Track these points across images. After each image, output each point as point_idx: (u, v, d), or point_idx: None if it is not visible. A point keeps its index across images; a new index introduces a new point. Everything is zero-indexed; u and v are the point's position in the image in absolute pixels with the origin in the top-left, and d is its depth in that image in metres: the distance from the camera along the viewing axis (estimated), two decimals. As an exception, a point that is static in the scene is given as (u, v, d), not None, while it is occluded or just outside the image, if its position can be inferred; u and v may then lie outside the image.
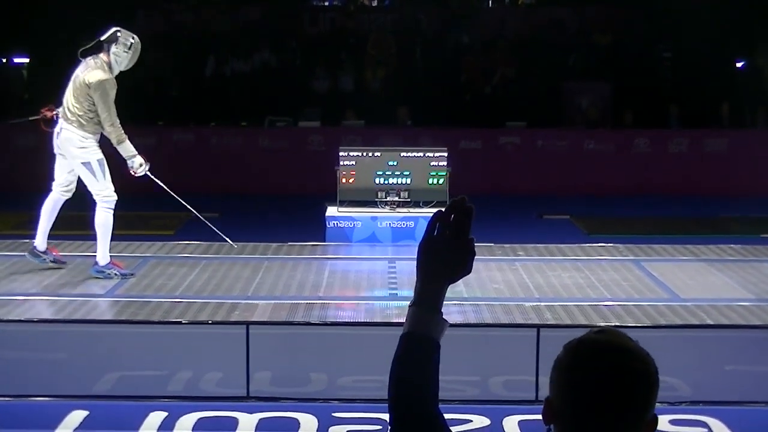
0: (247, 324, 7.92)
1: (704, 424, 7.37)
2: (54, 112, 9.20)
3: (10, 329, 7.95)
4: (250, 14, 21.09)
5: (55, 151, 9.20)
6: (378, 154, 11.67)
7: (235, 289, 9.01)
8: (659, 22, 20.35)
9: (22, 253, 10.14)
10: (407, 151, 11.77)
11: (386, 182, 11.48)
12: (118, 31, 9.14)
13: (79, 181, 9.21)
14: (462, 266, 2.67)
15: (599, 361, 2.47)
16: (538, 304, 8.49)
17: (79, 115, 8.99)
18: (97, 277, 9.13)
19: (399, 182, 11.48)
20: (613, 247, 10.89)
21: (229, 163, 17.53)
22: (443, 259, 2.67)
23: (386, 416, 7.56)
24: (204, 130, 18.22)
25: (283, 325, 8.03)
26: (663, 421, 7.41)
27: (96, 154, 9.05)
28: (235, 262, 10.05)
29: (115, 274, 9.16)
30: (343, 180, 11.50)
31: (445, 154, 11.60)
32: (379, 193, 11.46)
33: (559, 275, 9.59)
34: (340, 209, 11.39)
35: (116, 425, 7.34)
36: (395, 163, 11.54)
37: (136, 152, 9.22)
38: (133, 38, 9.15)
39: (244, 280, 9.33)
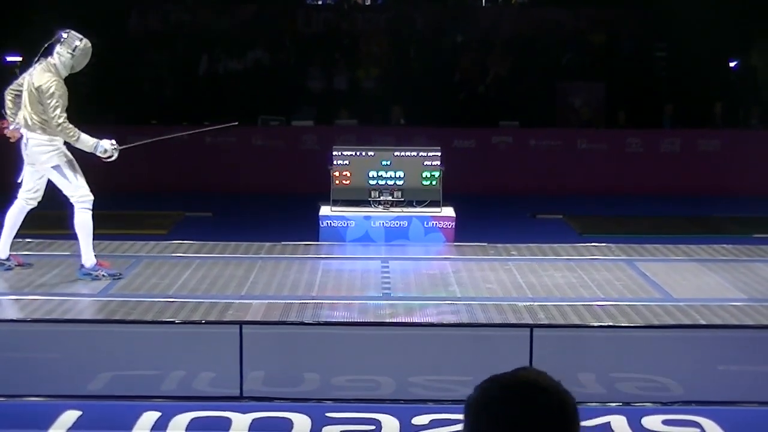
0: (241, 324, 7.92)
1: (697, 424, 7.38)
2: (7, 124, 9.13)
3: (2, 329, 7.94)
4: (244, 13, 21.08)
5: (26, 160, 9.08)
6: (371, 153, 11.68)
7: (229, 289, 9.01)
8: (653, 21, 20.39)
9: (15, 253, 10.13)
10: (401, 151, 11.77)
11: (380, 182, 11.48)
12: (65, 32, 9.01)
13: (50, 185, 9.13)
14: None
15: (513, 398, 2.40)
16: (532, 303, 8.50)
17: (38, 121, 8.88)
18: (83, 279, 9.09)
19: (392, 182, 11.48)
20: (606, 246, 10.90)
21: (223, 162, 17.54)
22: None
23: (379, 416, 7.57)
24: (197, 129, 18.16)
25: (276, 324, 8.02)
26: (655, 421, 7.43)
27: (64, 156, 8.97)
28: (228, 262, 10.04)
29: (103, 275, 9.12)
30: (337, 179, 11.50)
31: (439, 154, 11.60)
32: (373, 193, 11.47)
33: (552, 275, 9.59)
34: (334, 209, 11.39)
35: (109, 425, 7.33)
36: (389, 163, 11.54)
37: (96, 139, 9.06)
38: (80, 40, 8.99)
39: (238, 280, 9.32)
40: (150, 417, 7.38)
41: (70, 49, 8.97)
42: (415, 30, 20.91)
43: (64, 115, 8.88)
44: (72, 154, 9.11)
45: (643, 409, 7.61)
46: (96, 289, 8.89)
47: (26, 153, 9.05)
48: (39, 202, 9.25)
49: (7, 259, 9.40)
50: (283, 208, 15.00)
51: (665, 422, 7.42)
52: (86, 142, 9.02)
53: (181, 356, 7.88)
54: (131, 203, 15.13)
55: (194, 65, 19.85)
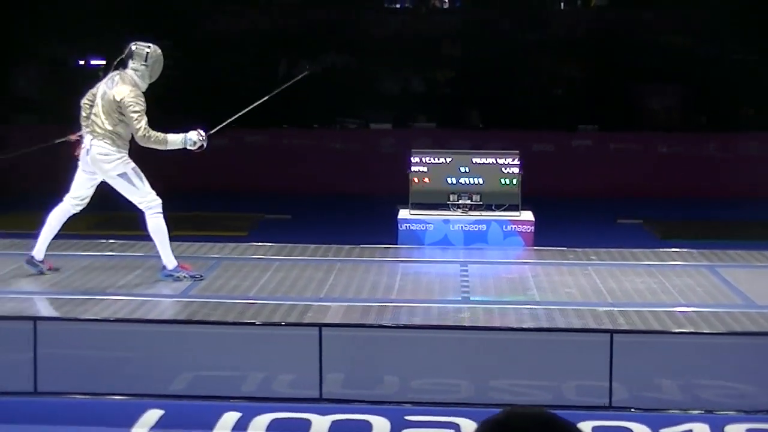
0: (320, 326, 7.96)
1: (781, 433, 7.28)
2: (78, 135, 9.21)
3: (87, 327, 8.06)
4: (321, 15, 21.16)
5: (82, 167, 9.11)
6: (449, 158, 11.67)
7: (308, 291, 9.06)
8: (732, 23, 20.10)
9: (98, 253, 10.30)
10: (478, 156, 11.74)
11: (458, 185, 11.47)
12: (133, 44, 9.06)
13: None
14: None
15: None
16: (612, 309, 8.43)
17: (110, 131, 8.92)
18: (166, 281, 9.19)
19: (471, 185, 11.46)
20: (687, 252, 10.78)
21: (301, 165, 17.64)
22: None
23: (458, 420, 7.54)
24: (276, 132, 18.33)
25: (355, 327, 8.05)
26: (739, 429, 7.32)
27: (129, 164, 9.00)
28: (307, 264, 10.10)
29: (185, 277, 9.21)
30: (416, 182, 11.51)
31: (517, 158, 11.57)
32: (452, 196, 11.46)
33: (632, 280, 9.51)
34: (413, 212, 11.40)
35: (191, 425, 7.41)
36: (467, 167, 11.53)
37: (182, 134, 9.11)
38: (148, 48, 9.05)
39: (317, 282, 9.36)
40: (231, 417, 7.44)
41: (142, 60, 9.03)
42: (491, 32, 20.83)
43: (147, 124, 8.90)
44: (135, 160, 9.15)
45: (726, 417, 7.51)
46: (177, 290, 8.99)
47: (87, 160, 9.05)
48: (83, 210, 9.27)
49: (41, 262, 9.38)
50: (362, 210, 15.05)
51: (749, 431, 7.32)
52: (174, 141, 9.09)
53: (261, 357, 7.94)
54: (211, 204, 15.27)
55: (273, 68, 19.95)
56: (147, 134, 8.89)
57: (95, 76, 19.69)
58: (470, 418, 7.37)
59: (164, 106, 18.93)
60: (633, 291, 9.12)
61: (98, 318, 8.14)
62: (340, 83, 19.30)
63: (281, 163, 17.65)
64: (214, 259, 10.26)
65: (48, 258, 9.45)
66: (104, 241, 10.77)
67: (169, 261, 9.20)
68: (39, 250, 9.33)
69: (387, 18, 21.53)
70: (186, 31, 20.24)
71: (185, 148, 9.19)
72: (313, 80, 19.71)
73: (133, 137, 9.01)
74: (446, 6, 22.64)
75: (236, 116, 9.87)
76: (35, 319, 8.08)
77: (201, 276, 9.34)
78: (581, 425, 7.56)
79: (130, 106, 8.87)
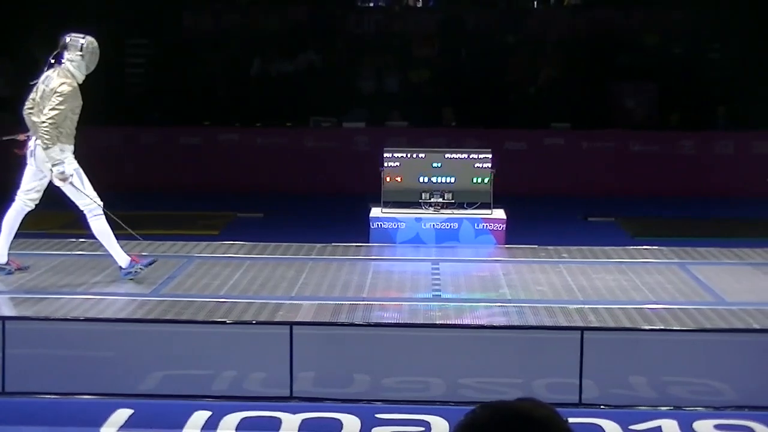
0: (291, 324, 7.95)
1: (749, 429, 7.32)
2: (26, 135, 9.09)
3: (57, 327, 8.03)
4: (296, 15, 21.15)
5: (29, 162, 9.03)
6: (422, 155, 11.68)
7: (279, 290, 9.05)
8: (706, 22, 20.20)
9: (69, 252, 10.26)
10: (451, 153, 11.76)
11: (430, 183, 11.48)
12: (67, 36, 9.00)
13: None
14: None
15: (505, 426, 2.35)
16: (582, 306, 8.45)
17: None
18: (129, 279, 9.15)
19: (443, 183, 11.47)
20: (658, 249, 10.82)
21: (274, 163, 17.61)
22: None
23: (429, 417, 7.56)
24: (249, 130, 18.30)
25: (326, 325, 8.05)
26: (707, 425, 7.37)
27: (72, 165, 8.93)
28: (279, 263, 10.08)
29: (141, 269, 9.17)
30: (388, 180, 11.51)
31: (490, 156, 11.58)
32: (423, 194, 11.46)
33: (603, 278, 9.54)
34: (384, 210, 11.40)
35: (161, 424, 7.39)
36: (439, 165, 11.53)
37: (62, 159, 8.85)
38: (83, 39, 8.99)
39: (288, 281, 9.35)
40: (201, 416, 7.43)
41: (78, 50, 8.97)
42: (466, 31, 20.86)
43: (57, 120, 8.76)
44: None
45: (695, 414, 7.56)
46: (148, 288, 8.96)
47: (32, 160, 8.99)
48: (36, 205, 9.18)
49: (7, 264, 9.31)
50: (334, 209, 15.03)
51: (717, 427, 7.36)
52: (54, 154, 8.81)
53: (232, 356, 7.93)
54: (183, 203, 15.22)
55: (246, 67, 19.94)
56: (46, 128, 8.72)
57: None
58: (441, 416, 7.39)
59: (137, 100, 19.05)
60: (604, 288, 9.15)
61: (68, 317, 8.10)
62: (314, 82, 19.29)
63: (254, 161, 17.61)
64: (185, 258, 10.23)
65: (16, 258, 9.40)
66: (74, 240, 10.71)
67: (122, 259, 9.14)
68: (0, 254, 9.27)
69: (361, 17, 21.54)
70: (163, 29, 20.19)
71: (50, 167, 8.87)
72: (287, 78, 19.76)
73: (74, 133, 8.94)
74: (420, 5, 22.66)
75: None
76: (4, 319, 8.04)
77: (154, 259, 9.30)
78: (550, 422, 7.52)
79: (58, 92, 8.80)
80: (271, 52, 20.12)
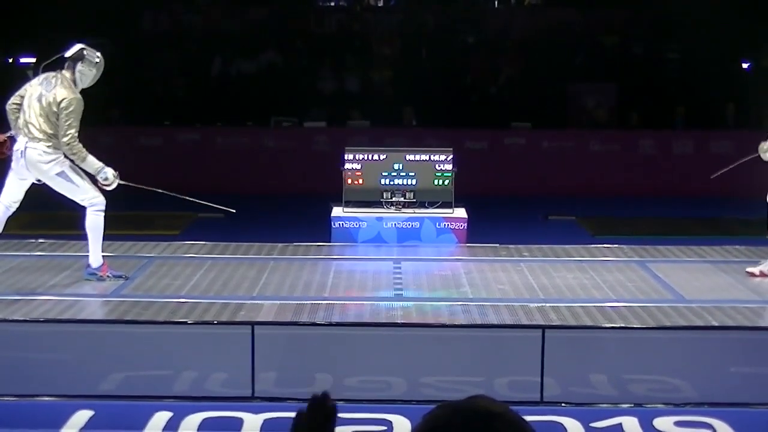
0: (253, 324, 7.93)
1: (709, 426, 7.38)
2: (7, 136, 9.05)
3: (16, 329, 7.96)
4: (256, 14, 21.10)
5: (16, 168, 8.92)
6: (383, 155, 11.68)
7: (241, 290, 9.02)
8: (665, 22, 20.35)
9: (28, 253, 10.18)
10: (412, 153, 11.78)
11: (392, 183, 11.49)
12: (84, 48, 8.98)
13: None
14: None
15: (469, 424, 2.34)
16: (543, 305, 8.49)
17: (48, 133, 8.79)
18: (89, 280, 9.09)
19: (404, 183, 11.49)
20: (618, 248, 10.89)
21: (235, 163, 17.55)
22: None
23: (391, 416, 7.56)
24: (210, 130, 18.24)
25: (288, 325, 8.03)
26: (667, 422, 7.42)
27: (66, 162, 8.88)
28: (240, 263, 10.06)
29: (108, 277, 9.13)
30: (349, 180, 11.51)
31: (451, 155, 11.61)
32: (385, 194, 11.47)
33: (564, 276, 9.58)
34: (346, 210, 11.39)
35: (121, 425, 7.35)
36: (400, 164, 11.54)
37: (102, 164, 8.97)
38: (98, 56, 9.02)
39: (250, 281, 9.33)
40: (162, 417, 7.40)
41: (92, 65, 8.98)
42: (426, 31, 20.90)
43: (77, 135, 8.81)
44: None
45: (655, 411, 7.61)
46: (108, 289, 8.91)
47: (22, 162, 8.88)
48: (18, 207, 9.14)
49: None
50: (295, 209, 15.00)
51: (677, 423, 7.42)
52: (92, 164, 8.93)
53: (193, 357, 7.90)
54: (143, 204, 15.11)
55: (207, 66, 19.88)
56: (71, 143, 8.77)
57: (24, 75, 19.46)
58: (403, 415, 7.39)
59: (96, 100, 18.92)
60: (564, 287, 9.20)
61: (27, 319, 8.04)
62: (275, 81, 19.25)
63: (214, 161, 17.55)
64: (145, 258, 10.18)
65: None
66: (34, 240, 10.64)
67: (96, 259, 9.10)
68: None
69: (322, 16, 21.52)
70: (122, 28, 20.08)
71: (95, 177, 8.99)
72: (248, 78, 19.71)
73: None
74: (381, 4, 22.68)
75: (151, 189, 9.70)
76: (-38, 320, 7.97)
77: (126, 276, 9.24)
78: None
79: (68, 111, 8.75)
80: (231, 52, 20.07)
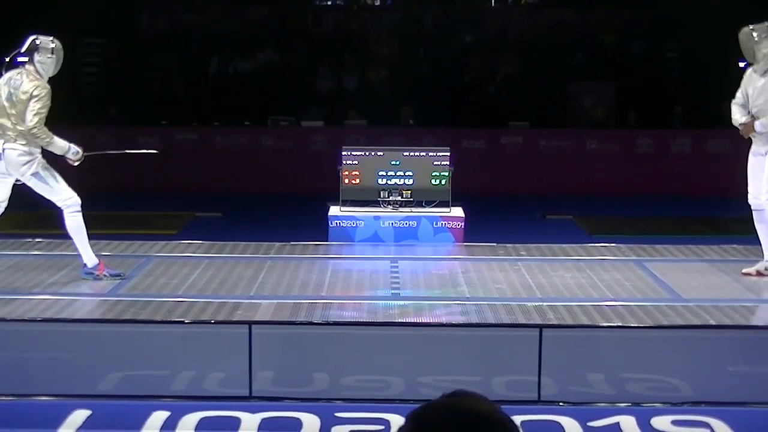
0: (250, 324, 7.92)
1: (706, 425, 7.37)
2: None
3: (13, 328, 7.96)
4: (254, 14, 21.11)
5: None
6: (381, 153, 11.68)
7: (238, 289, 9.01)
8: (664, 22, 20.35)
9: (25, 253, 10.17)
10: (410, 151, 11.78)
11: (389, 182, 11.49)
12: (36, 38, 8.96)
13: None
14: None
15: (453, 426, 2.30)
16: (541, 304, 8.48)
17: (22, 131, 8.78)
18: (86, 279, 9.09)
19: (402, 182, 11.48)
20: (616, 247, 10.89)
21: (233, 163, 17.55)
22: None
23: (388, 416, 7.56)
24: (208, 130, 18.24)
25: (285, 324, 8.02)
26: (665, 421, 7.42)
27: (41, 163, 8.89)
28: (237, 262, 10.05)
29: (105, 276, 9.13)
30: (346, 179, 11.50)
31: (448, 154, 11.60)
32: (382, 193, 11.47)
33: (561, 275, 9.58)
34: (343, 209, 11.39)
35: (119, 425, 7.34)
36: (398, 163, 11.54)
37: (68, 143, 9.01)
38: (53, 41, 8.98)
39: (247, 280, 9.32)
40: (159, 417, 7.38)
41: (49, 53, 8.94)
42: (424, 30, 20.90)
43: (42, 121, 8.78)
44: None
45: (653, 410, 7.60)
46: (105, 289, 8.90)
47: (2, 163, 8.86)
48: (7, 208, 9.13)
49: None
50: (293, 208, 15.00)
51: (674, 422, 7.41)
52: (59, 145, 8.96)
53: (191, 356, 7.89)
54: (141, 204, 15.15)
55: (205, 66, 19.88)
56: (36, 130, 8.76)
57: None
58: (400, 414, 7.38)
59: (94, 100, 18.90)
60: (562, 286, 9.19)
61: (24, 318, 8.03)
62: (272, 81, 19.25)
63: (212, 161, 17.55)
64: (143, 258, 10.17)
65: None
66: (30, 240, 10.63)
67: (89, 259, 9.10)
68: None
69: (320, 16, 21.53)
70: (120, 28, 20.09)
71: (65, 156, 9.04)
72: (245, 78, 19.71)
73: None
74: (378, 4, 22.68)
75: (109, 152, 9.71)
76: (-41, 320, 7.96)
77: (122, 274, 9.24)
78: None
79: (36, 100, 8.74)
80: (229, 52, 20.07)
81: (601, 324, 7.99)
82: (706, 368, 7.83)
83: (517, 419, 7.23)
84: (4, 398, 7.71)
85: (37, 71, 8.90)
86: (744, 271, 9.61)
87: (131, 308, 8.25)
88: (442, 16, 21.18)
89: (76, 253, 9.68)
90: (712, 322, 8.04)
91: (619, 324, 7.97)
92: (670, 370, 7.84)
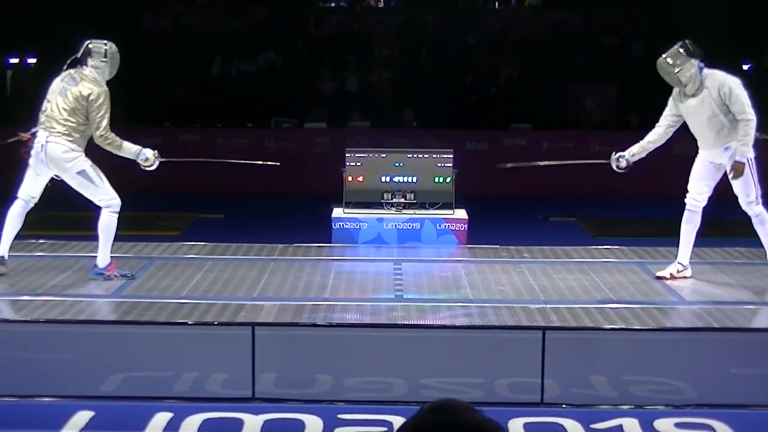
0: (253, 325, 7.93)
1: (709, 428, 7.37)
2: (30, 133, 9.04)
3: (17, 329, 7.96)
4: (256, 15, 21.11)
5: (34, 163, 8.94)
6: (384, 155, 11.69)
7: (241, 290, 9.02)
8: (665, 23, 20.34)
9: (28, 254, 10.17)
10: (413, 153, 11.79)
11: (392, 184, 11.49)
12: (90, 43, 9.03)
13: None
14: None
15: None
16: (544, 306, 8.48)
17: (71, 128, 8.82)
18: (95, 279, 9.11)
19: (405, 184, 11.49)
20: (619, 249, 10.89)
21: (235, 164, 17.52)
22: None
23: (391, 417, 7.56)
24: (210, 131, 18.24)
25: (288, 326, 8.02)
26: (668, 424, 7.42)
27: (87, 161, 8.93)
28: (241, 263, 10.05)
29: (115, 275, 9.15)
30: (349, 181, 11.51)
31: (451, 156, 11.61)
32: (385, 195, 11.47)
33: (564, 277, 9.58)
34: (346, 210, 11.39)
35: (122, 426, 7.35)
36: (401, 165, 11.55)
37: (139, 147, 9.13)
38: (105, 45, 9.05)
39: (250, 281, 9.32)
40: (162, 418, 7.39)
41: (102, 57, 9.00)
42: (426, 32, 20.91)
43: (108, 126, 8.88)
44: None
45: (656, 412, 7.60)
46: (109, 290, 8.91)
47: (41, 157, 8.88)
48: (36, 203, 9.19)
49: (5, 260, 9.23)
50: (296, 210, 15.01)
51: (678, 425, 7.41)
52: (129, 149, 9.07)
53: (194, 357, 7.89)
54: (143, 204, 15.13)
55: (207, 67, 19.88)
56: (107, 135, 8.85)
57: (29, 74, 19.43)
58: (403, 416, 7.37)
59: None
60: (565, 288, 9.19)
61: (28, 319, 8.04)
62: (275, 82, 19.26)
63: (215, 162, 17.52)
64: (146, 259, 10.18)
65: None
66: (34, 241, 10.63)
67: (104, 259, 9.12)
68: (3, 249, 9.20)
69: (322, 17, 21.53)
70: (123, 29, 20.08)
71: (136, 161, 9.15)
72: (248, 79, 19.71)
73: (89, 135, 8.93)
74: (381, 5, 22.69)
75: (191, 160, 9.80)
76: (-38, 321, 7.96)
77: (132, 275, 9.27)
78: (513, 422, 7.63)
79: (97, 103, 8.82)
80: (231, 53, 20.07)
81: (604, 326, 7.99)
82: (709, 371, 7.83)
83: (520, 421, 7.26)
84: (7, 399, 7.72)
85: (94, 77, 8.95)
86: (657, 274, 9.56)
87: (135, 309, 8.26)
88: (444, 18, 21.18)
89: (80, 255, 9.72)
90: (716, 325, 8.04)
91: (622, 326, 7.97)
92: (673, 372, 7.84)
